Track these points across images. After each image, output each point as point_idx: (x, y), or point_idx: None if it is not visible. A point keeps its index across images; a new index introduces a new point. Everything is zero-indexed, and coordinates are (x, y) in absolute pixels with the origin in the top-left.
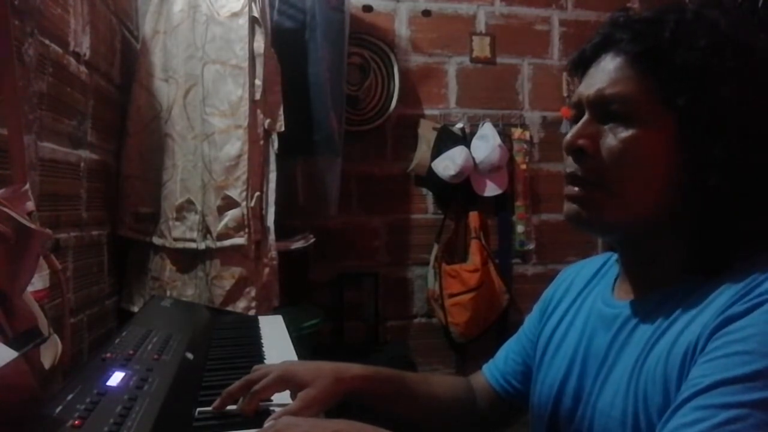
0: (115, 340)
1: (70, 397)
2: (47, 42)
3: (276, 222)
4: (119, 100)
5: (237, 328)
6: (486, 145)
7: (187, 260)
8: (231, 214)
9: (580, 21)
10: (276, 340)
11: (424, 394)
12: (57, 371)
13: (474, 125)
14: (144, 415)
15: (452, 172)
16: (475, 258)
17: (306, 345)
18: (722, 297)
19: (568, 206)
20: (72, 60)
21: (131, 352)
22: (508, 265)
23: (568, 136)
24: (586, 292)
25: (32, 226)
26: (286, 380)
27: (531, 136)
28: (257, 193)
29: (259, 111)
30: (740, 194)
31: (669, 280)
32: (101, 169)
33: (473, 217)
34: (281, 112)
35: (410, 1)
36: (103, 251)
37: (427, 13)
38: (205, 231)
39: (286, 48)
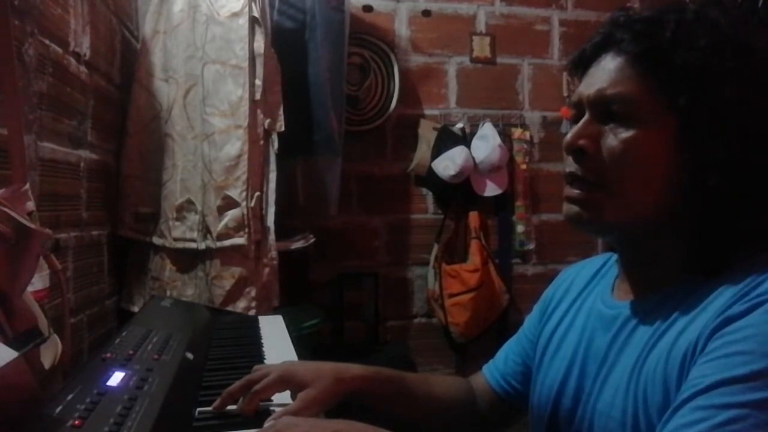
0: (115, 340)
1: (70, 397)
2: (47, 42)
3: (276, 222)
4: (119, 100)
5: (237, 328)
6: (486, 145)
7: (187, 260)
8: (231, 214)
9: (580, 21)
10: (276, 340)
11: (424, 395)
12: (57, 371)
13: (474, 125)
14: (144, 415)
15: (452, 172)
16: (475, 258)
17: (306, 345)
18: (722, 297)
19: (568, 207)
20: (72, 60)
21: (131, 352)
22: (508, 265)
23: (569, 136)
24: (586, 292)
25: (32, 226)
26: (286, 380)
27: (531, 136)
28: (257, 193)
29: (259, 111)
30: (740, 194)
31: (669, 280)
32: (101, 169)
33: (473, 217)
34: (281, 112)
35: (410, 1)
36: (103, 251)
37: (427, 13)
38: (205, 231)
39: (286, 48)
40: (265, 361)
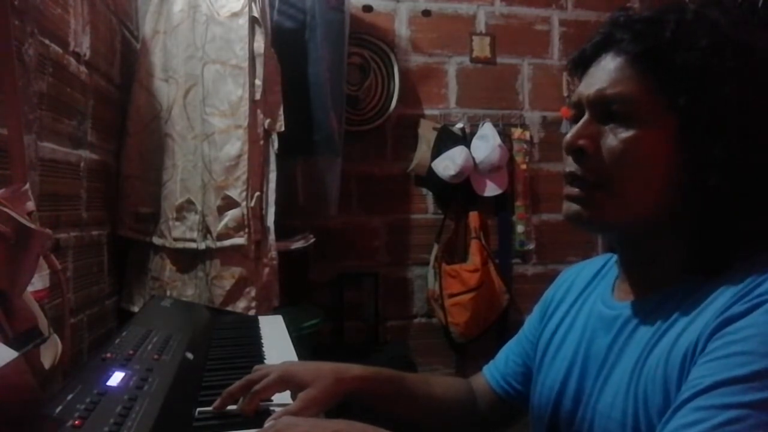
0: (115, 340)
1: (70, 397)
2: (47, 42)
3: (276, 222)
4: (119, 100)
5: (237, 328)
6: (486, 145)
7: (187, 260)
8: (231, 214)
9: (580, 21)
10: (276, 340)
11: (424, 395)
12: (57, 371)
13: (474, 125)
14: (144, 415)
15: (452, 172)
16: (475, 258)
17: (306, 345)
18: (722, 298)
19: (568, 206)
20: (72, 60)
21: (131, 352)
22: (508, 265)
23: (568, 136)
24: (586, 293)
25: (32, 226)
26: (286, 380)
27: (531, 136)
28: (257, 193)
29: (259, 111)
30: (740, 194)
31: (669, 281)
32: (101, 169)
33: (473, 217)
34: (281, 112)
35: (410, 1)
36: (103, 251)
37: (427, 13)
38: (205, 231)
39: (286, 48)
40: (265, 361)
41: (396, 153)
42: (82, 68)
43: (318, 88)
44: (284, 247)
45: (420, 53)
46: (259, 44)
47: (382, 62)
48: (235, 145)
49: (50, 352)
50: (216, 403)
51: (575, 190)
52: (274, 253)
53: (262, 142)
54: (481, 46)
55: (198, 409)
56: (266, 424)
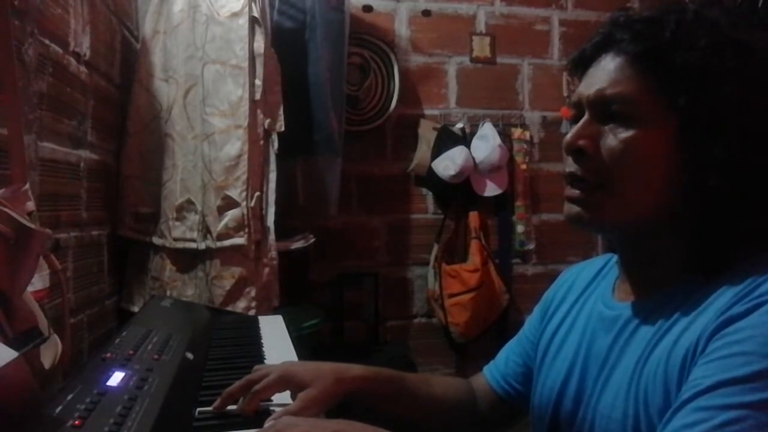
0: (115, 340)
1: (70, 397)
2: (47, 42)
3: (276, 222)
4: (119, 100)
5: (237, 328)
6: (486, 145)
7: (187, 260)
8: (231, 214)
9: (580, 21)
10: (276, 340)
11: (424, 395)
12: (57, 371)
13: (474, 125)
14: (144, 415)
15: (452, 172)
16: (475, 258)
17: (306, 345)
18: (722, 298)
19: (568, 207)
20: (72, 60)
21: (131, 352)
22: (508, 265)
23: (568, 137)
24: (587, 293)
25: (32, 226)
26: (286, 380)
27: (531, 136)
28: (257, 193)
29: (259, 111)
30: (740, 194)
31: (669, 281)
32: (101, 169)
33: (473, 217)
34: (281, 112)
35: (410, 1)
36: (103, 251)
37: (427, 13)
38: (205, 231)
39: (286, 48)
40: (265, 361)
41: (396, 153)
42: (82, 68)
43: (318, 88)
44: (284, 247)
45: (420, 53)
46: (259, 44)
47: (382, 62)
48: (235, 145)
49: (50, 352)
50: (216, 403)
51: (575, 192)
52: (274, 253)
53: (262, 142)
54: (481, 46)
55: (198, 409)
56: (266, 424)
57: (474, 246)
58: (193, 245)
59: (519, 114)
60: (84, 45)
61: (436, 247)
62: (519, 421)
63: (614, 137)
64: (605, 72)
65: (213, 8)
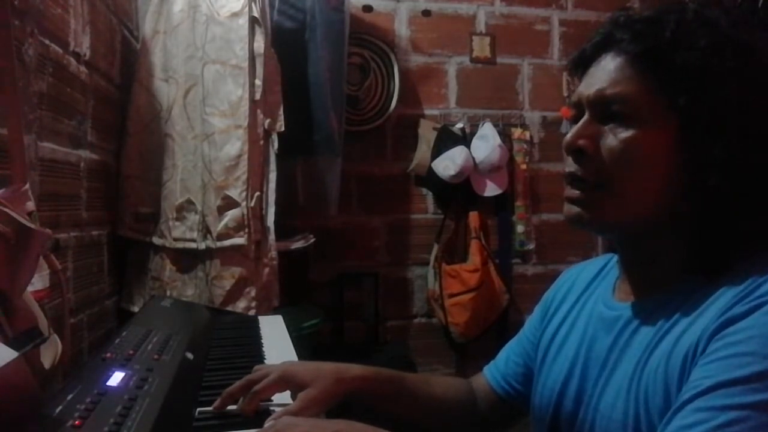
0: (115, 340)
1: (70, 397)
2: (47, 42)
3: (276, 222)
4: (119, 100)
5: (237, 328)
6: (486, 145)
7: (187, 260)
8: (231, 214)
9: (580, 21)
10: (276, 340)
11: (424, 395)
12: (57, 371)
13: (474, 125)
14: (144, 415)
15: (452, 172)
16: (475, 258)
17: (306, 345)
18: (723, 299)
19: (568, 207)
20: (72, 60)
21: (131, 352)
22: (508, 265)
23: (568, 137)
24: (587, 294)
25: (32, 226)
26: (286, 380)
27: (531, 136)
28: (257, 193)
29: (259, 111)
30: (740, 194)
31: (669, 281)
32: (101, 169)
33: (473, 217)
34: (281, 112)
35: (410, 1)
36: (103, 251)
37: (427, 13)
38: (205, 231)
39: (286, 48)
40: (265, 361)
41: (396, 153)
42: (82, 68)
43: (318, 88)
44: (284, 247)
45: (420, 53)
46: (259, 44)
47: (382, 62)
48: (235, 145)
49: (50, 352)
50: (216, 403)
51: (576, 192)
52: (274, 253)
53: (262, 142)
54: (481, 46)
55: (198, 409)
56: (266, 424)
57: (474, 246)
58: (193, 245)
59: (519, 114)
60: (84, 45)
61: (436, 247)
62: (519, 422)
63: (614, 137)
64: (605, 72)
65: (213, 8)
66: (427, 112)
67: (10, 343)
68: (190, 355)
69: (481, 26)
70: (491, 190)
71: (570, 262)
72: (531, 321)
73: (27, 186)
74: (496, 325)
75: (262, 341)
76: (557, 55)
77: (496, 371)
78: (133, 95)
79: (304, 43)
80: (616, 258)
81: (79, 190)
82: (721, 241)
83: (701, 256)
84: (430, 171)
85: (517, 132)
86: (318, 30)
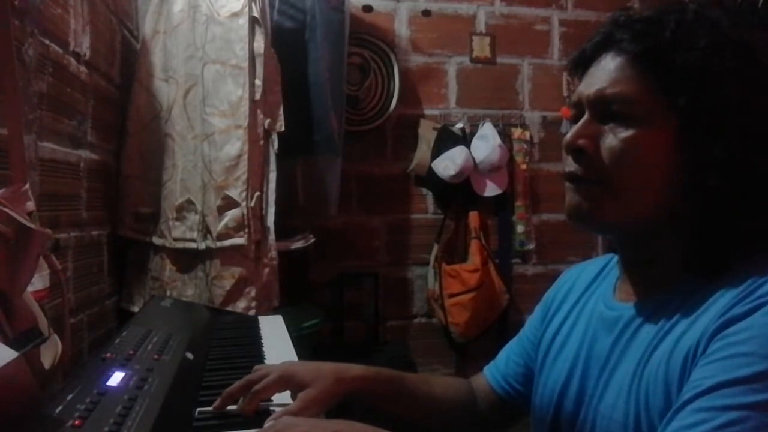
0: (115, 340)
1: (70, 397)
2: (47, 42)
3: (276, 222)
4: (119, 100)
5: (237, 328)
6: (486, 145)
7: (187, 260)
8: (231, 214)
9: (580, 21)
10: (276, 340)
11: (424, 395)
12: (57, 371)
13: (474, 125)
14: (144, 415)
15: (452, 172)
16: (475, 258)
17: (306, 345)
18: (723, 299)
19: (569, 207)
20: (72, 60)
21: (131, 352)
22: (508, 265)
23: (568, 136)
24: (588, 294)
25: (32, 226)
26: (286, 380)
27: (531, 136)
28: (257, 193)
29: (259, 111)
30: (740, 194)
31: (669, 281)
32: (101, 169)
33: (473, 217)
34: (281, 112)
35: (410, 1)
36: (103, 251)
37: (427, 13)
38: (205, 231)
39: (286, 48)
40: (265, 361)
41: (396, 153)
42: (82, 68)
43: (318, 88)
44: (284, 247)
45: (420, 53)
46: (259, 44)
47: (382, 62)
48: (235, 145)
49: (50, 352)
50: (216, 403)
51: (575, 191)
52: (274, 253)
53: (262, 142)
54: (481, 46)
55: (198, 409)
56: (266, 424)
57: (474, 246)
58: (193, 245)
59: (519, 114)
60: (84, 45)
61: (436, 247)
62: (519, 422)
63: (614, 137)
64: (605, 72)
65: (213, 8)
66: (427, 112)
67: (10, 343)
68: (190, 355)
69: (481, 26)
70: (491, 190)
71: (570, 262)
72: (531, 321)
73: (27, 186)
74: (496, 325)
75: (262, 341)
76: (557, 55)
77: (496, 371)
78: (133, 95)
79: (304, 43)
80: (616, 258)
81: (79, 190)
82: (721, 241)
83: (701, 256)
84: (430, 171)
85: (517, 132)
86: (318, 30)
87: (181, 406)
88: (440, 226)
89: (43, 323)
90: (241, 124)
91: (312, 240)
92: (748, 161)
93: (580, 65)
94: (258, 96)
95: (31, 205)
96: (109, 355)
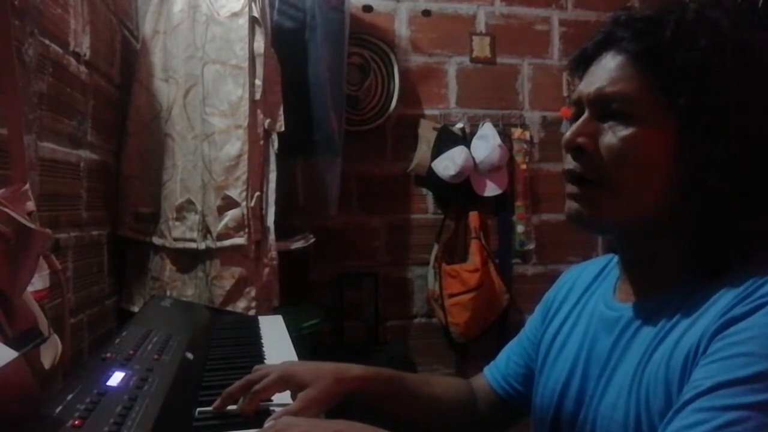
0: (115, 340)
1: (70, 397)
2: (47, 42)
3: (276, 222)
4: (119, 100)
5: (237, 328)
6: (486, 145)
7: (187, 260)
8: (231, 214)
9: (580, 21)
10: (276, 340)
11: (424, 395)
12: (57, 371)
13: (474, 125)
14: (144, 415)
15: (452, 172)
16: (475, 258)
17: (306, 345)
18: (723, 299)
19: (569, 206)
20: (72, 60)
21: (131, 352)
22: (508, 265)
23: (568, 134)
24: (588, 294)
25: (32, 226)
26: (286, 380)
27: (531, 136)
28: (257, 193)
29: (259, 111)
30: (740, 194)
31: (669, 281)
32: (101, 169)
33: (473, 217)
34: (281, 112)
35: (410, 1)
36: (103, 251)
37: (427, 13)
38: (205, 231)
39: (286, 48)
40: (265, 361)
41: (396, 153)
42: (82, 68)
43: (318, 88)
44: (284, 247)
45: (420, 53)
46: (259, 44)
47: (382, 62)
48: (235, 145)
49: (50, 352)
50: (216, 403)
51: (575, 190)
52: (274, 253)
53: (262, 142)
54: (481, 46)
55: (198, 409)
56: (266, 424)
57: (474, 246)
58: (193, 245)
59: (519, 114)
60: (84, 45)
61: (436, 247)
62: (519, 422)
63: (613, 135)
64: (606, 70)
65: (213, 8)
66: (427, 112)
67: (10, 343)
68: (190, 355)
69: (481, 26)
70: (491, 190)
71: (570, 262)
72: (531, 321)
73: (27, 186)
74: (496, 325)
75: (262, 341)
76: (557, 55)
77: (496, 371)
78: (133, 95)
79: (304, 43)
80: (616, 258)
81: (79, 190)
82: (721, 241)
83: (701, 256)
84: (430, 171)
85: (517, 132)
86: (318, 30)
87: (181, 406)
88: (440, 226)
89: (43, 323)
90: (241, 124)
91: (312, 240)
92: (748, 161)
93: (581, 64)
94: (258, 96)
95: (31, 205)
96: (109, 355)
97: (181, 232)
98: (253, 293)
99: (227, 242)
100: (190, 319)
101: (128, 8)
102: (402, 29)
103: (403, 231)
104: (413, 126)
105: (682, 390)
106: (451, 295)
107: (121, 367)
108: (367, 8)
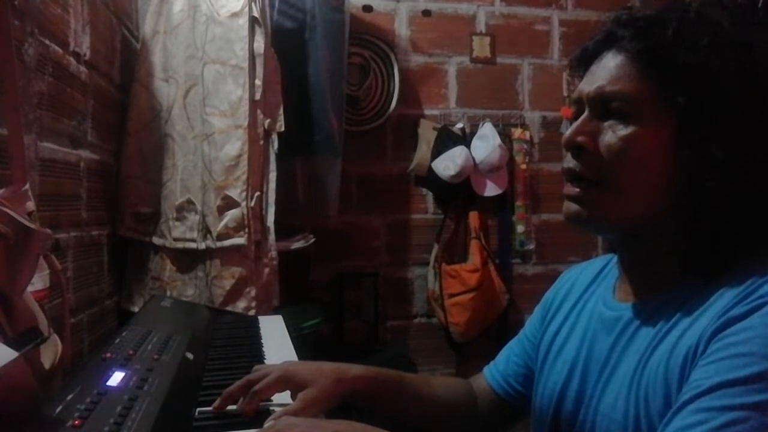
0: (115, 340)
1: (70, 397)
2: (47, 42)
3: (276, 222)
4: (119, 100)
5: (237, 328)
6: (486, 145)
7: (187, 260)
8: (231, 214)
9: (580, 21)
10: (276, 340)
11: (424, 396)
12: (57, 371)
13: (474, 125)
14: (144, 415)
15: (452, 172)
16: (475, 258)
17: (306, 345)
18: (722, 299)
19: (568, 205)
20: (72, 60)
21: (131, 352)
22: (508, 265)
23: (568, 132)
24: (588, 294)
25: (32, 226)
26: (286, 380)
27: (531, 136)
28: (257, 193)
29: (259, 111)
30: (740, 194)
31: (669, 281)
32: (101, 169)
33: (473, 217)
34: (281, 112)
35: (410, 1)
36: (103, 251)
37: (427, 13)
38: (205, 231)
39: (286, 48)
40: (265, 361)
41: (396, 153)
42: (82, 68)
43: (318, 88)
44: (284, 247)
45: (420, 53)
46: (259, 44)
47: (382, 62)
48: (235, 145)
49: (50, 352)
50: (216, 403)
51: (574, 189)
52: (274, 253)
53: (262, 142)
54: (481, 46)
55: (198, 409)
56: (266, 424)
57: (474, 246)
58: (193, 245)
59: (519, 114)
60: (84, 45)
61: (436, 247)
62: (519, 422)
63: (613, 134)
64: (606, 69)
65: (213, 8)
66: (427, 112)
67: (10, 343)
68: (190, 355)
69: (481, 26)
70: (491, 190)
71: (570, 262)
72: (531, 321)
73: (27, 186)
74: (496, 325)
75: (262, 341)
76: (557, 55)
77: (496, 371)
78: (133, 95)
79: (304, 43)
80: (616, 258)
81: (79, 190)
82: (720, 241)
83: (701, 257)
84: (430, 171)
85: (517, 132)
86: (318, 30)
87: (181, 406)
88: (440, 226)
89: (43, 323)
90: (241, 124)
91: (312, 240)
92: (747, 161)
93: (582, 63)
94: (258, 96)
95: (31, 205)
96: (109, 355)
97: (181, 232)
98: (253, 293)
99: (227, 242)
100: (190, 319)
101: (128, 8)
102: (402, 29)
103: (403, 231)
104: (413, 126)
105: (681, 390)
106: (451, 295)
107: (121, 367)
108: (367, 8)
